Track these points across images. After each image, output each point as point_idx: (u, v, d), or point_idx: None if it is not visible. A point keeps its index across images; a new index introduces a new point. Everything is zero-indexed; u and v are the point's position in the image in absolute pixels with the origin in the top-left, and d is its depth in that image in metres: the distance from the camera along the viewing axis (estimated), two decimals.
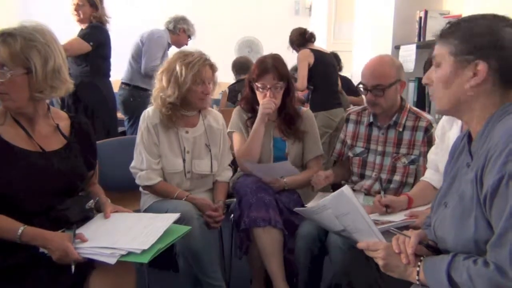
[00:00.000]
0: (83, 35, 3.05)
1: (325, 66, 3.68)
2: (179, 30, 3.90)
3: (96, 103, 3.11)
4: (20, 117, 1.43)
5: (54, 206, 1.40)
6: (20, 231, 1.28)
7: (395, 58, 2.08)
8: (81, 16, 3.08)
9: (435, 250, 1.15)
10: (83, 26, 3.13)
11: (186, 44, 3.94)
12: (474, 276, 0.93)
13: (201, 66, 1.95)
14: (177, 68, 1.94)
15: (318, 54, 3.67)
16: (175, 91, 1.95)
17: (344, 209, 1.29)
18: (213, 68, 2.02)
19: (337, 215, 1.32)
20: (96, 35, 3.08)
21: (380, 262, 1.16)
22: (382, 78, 1.88)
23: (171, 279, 2.04)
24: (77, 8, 3.06)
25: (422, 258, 1.11)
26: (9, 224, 1.30)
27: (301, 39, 3.79)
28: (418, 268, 1.09)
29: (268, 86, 2.08)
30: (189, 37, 4.00)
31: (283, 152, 2.17)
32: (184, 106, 2.01)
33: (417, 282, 1.09)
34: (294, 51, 3.85)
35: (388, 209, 1.70)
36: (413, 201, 1.75)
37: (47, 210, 1.38)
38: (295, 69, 3.82)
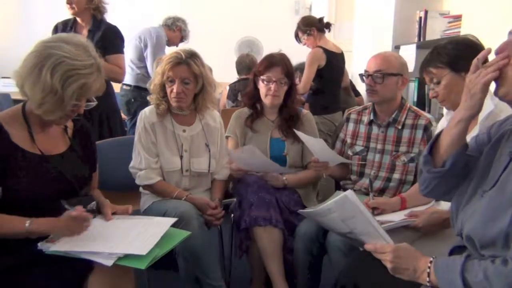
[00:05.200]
0: (110, 48, 2.66)
1: (334, 69, 3.45)
2: (176, 27, 3.92)
3: (108, 109, 2.82)
4: (37, 119, 1.42)
5: (55, 207, 1.40)
6: (27, 224, 1.31)
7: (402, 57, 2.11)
8: (76, 9, 2.71)
9: None
10: (81, 21, 2.77)
11: (177, 45, 3.95)
12: (491, 275, 0.93)
13: (168, 64, 1.94)
14: (158, 67, 1.99)
15: (330, 56, 3.40)
16: (155, 88, 2.00)
17: (349, 213, 1.28)
18: (191, 67, 1.94)
19: (343, 219, 1.32)
20: (119, 40, 2.79)
21: (388, 265, 1.16)
22: (384, 64, 1.92)
23: (171, 279, 2.04)
24: (69, 1, 2.70)
25: (431, 259, 1.10)
26: (15, 220, 1.32)
27: (320, 25, 3.50)
28: (428, 270, 1.08)
29: (274, 79, 2.09)
30: (182, 39, 4.01)
31: (282, 151, 2.17)
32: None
33: (428, 284, 1.08)
34: (304, 38, 3.49)
35: (376, 210, 1.70)
36: (407, 201, 1.74)
37: (48, 211, 1.38)
38: (300, 69, 3.55)
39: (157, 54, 3.60)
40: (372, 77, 1.92)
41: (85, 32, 2.74)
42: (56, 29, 2.83)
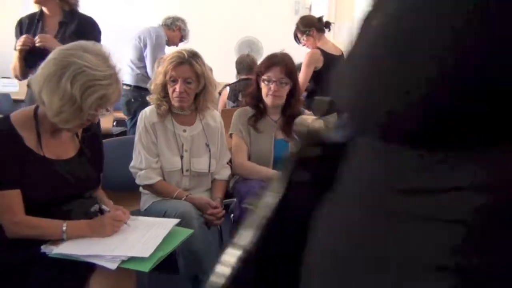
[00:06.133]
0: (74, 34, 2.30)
1: (331, 72, 3.35)
2: (175, 27, 3.91)
3: None
4: (48, 124, 1.41)
5: (62, 211, 1.41)
6: (64, 227, 1.34)
7: None
8: None
9: None
10: (47, 10, 2.42)
11: (177, 45, 3.94)
12: None
13: (171, 64, 1.93)
14: (159, 67, 1.99)
15: (328, 58, 3.28)
16: (157, 88, 1.99)
17: None
18: (193, 67, 1.94)
19: None
20: (97, 33, 2.50)
21: None
22: None
23: (171, 279, 2.03)
24: None
25: None
26: (51, 222, 1.35)
27: (319, 24, 3.43)
28: None
29: (274, 79, 2.09)
30: (182, 39, 4.00)
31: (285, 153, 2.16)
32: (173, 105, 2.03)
33: None
34: (303, 39, 3.42)
35: None
36: None
37: (55, 214, 1.39)
38: (299, 69, 3.41)
39: (156, 54, 3.59)
40: None
41: (54, 24, 2.43)
42: (20, 24, 2.48)
